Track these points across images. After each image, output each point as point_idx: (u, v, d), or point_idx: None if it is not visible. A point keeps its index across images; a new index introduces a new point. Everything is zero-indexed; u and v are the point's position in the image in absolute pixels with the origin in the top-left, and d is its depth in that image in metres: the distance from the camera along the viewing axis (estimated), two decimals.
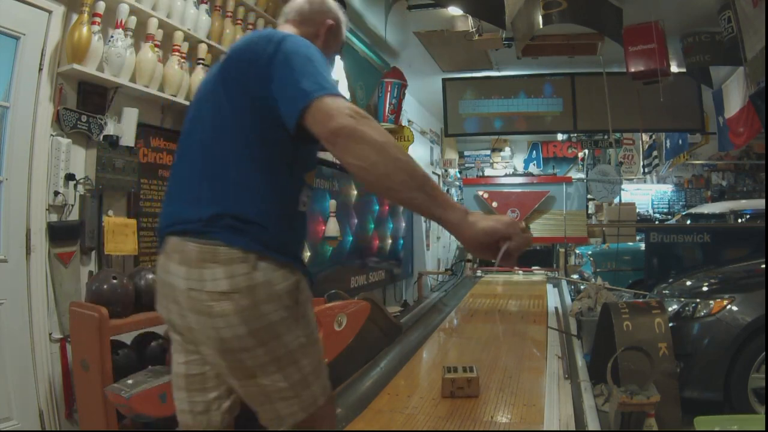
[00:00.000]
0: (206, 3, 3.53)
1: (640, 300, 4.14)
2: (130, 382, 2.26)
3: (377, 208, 7.10)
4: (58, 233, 2.68)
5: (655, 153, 11.12)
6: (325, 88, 1.24)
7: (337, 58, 4.73)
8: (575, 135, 11.63)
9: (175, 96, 3.28)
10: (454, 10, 5.65)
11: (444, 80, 8.12)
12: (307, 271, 1.45)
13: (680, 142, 10.01)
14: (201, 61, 3.46)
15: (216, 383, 1.51)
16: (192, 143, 1.51)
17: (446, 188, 11.97)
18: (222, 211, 1.32)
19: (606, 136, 10.36)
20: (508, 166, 13.35)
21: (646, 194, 13.18)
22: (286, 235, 1.40)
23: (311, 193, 1.55)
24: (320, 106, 1.21)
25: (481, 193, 10.36)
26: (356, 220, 6.39)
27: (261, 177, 1.34)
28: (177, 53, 3.27)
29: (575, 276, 7.60)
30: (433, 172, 10.91)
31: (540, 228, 10.07)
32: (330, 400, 1.51)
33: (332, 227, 5.46)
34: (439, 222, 1.21)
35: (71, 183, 2.73)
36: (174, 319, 1.42)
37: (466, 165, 13.55)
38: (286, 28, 1.61)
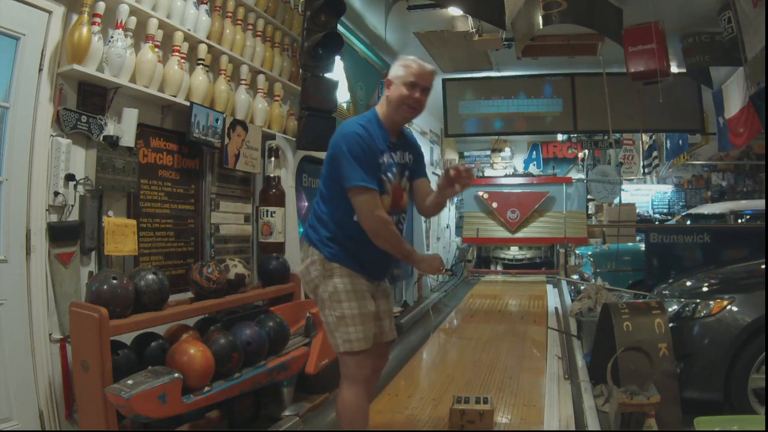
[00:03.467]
0: (206, 3, 3.53)
1: (640, 300, 4.14)
2: (130, 382, 2.26)
3: None
4: (58, 234, 2.68)
5: (655, 153, 11.12)
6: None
7: (338, 59, 4.75)
8: (575, 135, 11.63)
9: (175, 96, 3.27)
10: (454, 11, 5.65)
11: (444, 81, 8.12)
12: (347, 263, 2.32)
13: (680, 142, 10.02)
14: (201, 62, 3.46)
15: None
16: None
17: None
18: None
19: (606, 137, 10.36)
20: (508, 167, 13.35)
21: (646, 195, 13.18)
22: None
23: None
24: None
25: (481, 193, 10.36)
26: None
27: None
28: (177, 54, 3.27)
29: (575, 276, 7.60)
30: (433, 173, 10.91)
31: (540, 228, 10.07)
32: (352, 353, 2.23)
33: None
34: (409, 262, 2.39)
35: (71, 183, 2.72)
36: None
37: (466, 165, 13.53)
38: None
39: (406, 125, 2.55)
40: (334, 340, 2.28)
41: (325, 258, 2.29)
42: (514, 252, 10.53)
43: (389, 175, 2.30)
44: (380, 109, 2.38)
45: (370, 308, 2.31)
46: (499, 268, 10.63)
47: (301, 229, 2.50)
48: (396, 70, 2.30)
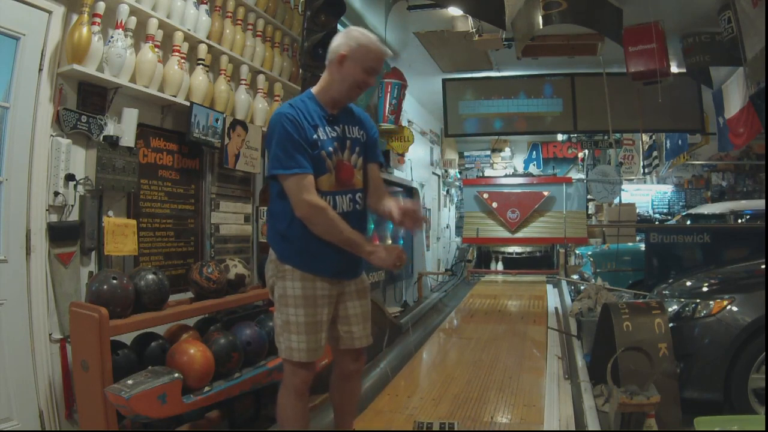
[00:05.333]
0: (206, 3, 3.53)
1: (640, 300, 4.14)
2: (130, 382, 2.26)
3: None
4: (58, 234, 2.68)
5: (655, 153, 11.11)
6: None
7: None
8: (575, 135, 11.63)
9: (175, 96, 3.28)
10: (454, 11, 5.65)
11: (444, 81, 8.12)
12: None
13: (680, 142, 10.01)
14: (201, 62, 3.46)
15: None
16: None
17: (446, 188, 11.97)
18: None
19: (606, 137, 10.37)
20: (508, 167, 13.35)
21: (646, 195, 13.18)
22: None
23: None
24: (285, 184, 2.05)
25: (481, 193, 10.36)
26: None
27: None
28: (177, 54, 3.28)
29: (575, 276, 7.60)
30: (433, 173, 10.92)
31: (540, 228, 10.08)
32: (292, 362, 2.11)
33: None
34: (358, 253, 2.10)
35: (71, 183, 2.73)
36: None
37: (466, 165, 13.55)
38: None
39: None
40: (278, 343, 2.17)
41: (278, 258, 2.14)
42: (514, 247, 10.53)
43: (329, 149, 2.09)
44: (318, 86, 2.19)
45: (321, 318, 2.12)
46: (499, 265, 10.64)
47: None
48: (354, 49, 2.08)
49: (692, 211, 7.80)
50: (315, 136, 2.06)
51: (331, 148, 2.10)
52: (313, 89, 2.20)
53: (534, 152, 13.50)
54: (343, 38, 2.13)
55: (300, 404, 2.17)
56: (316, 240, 2.06)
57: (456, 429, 2.73)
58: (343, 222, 2.04)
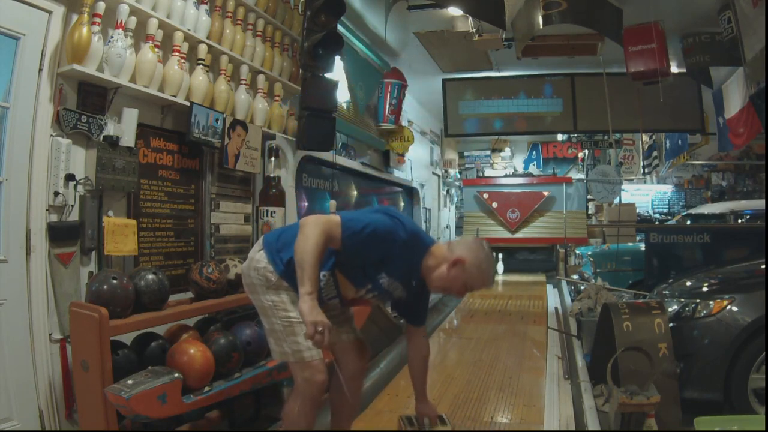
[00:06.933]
0: (206, 3, 3.53)
1: (640, 300, 4.14)
2: (130, 382, 2.26)
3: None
4: (58, 234, 2.68)
5: (655, 153, 11.12)
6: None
7: (338, 59, 4.75)
8: (575, 135, 11.63)
9: (175, 96, 3.27)
10: (454, 11, 5.65)
11: (444, 81, 8.12)
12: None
13: (680, 142, 10.02)
14: (201, 62, 3.46)
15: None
16: None
17: (446, 188, 11.97)
18: None
19: (606, 137, 10.37)
20: (508, 167, 13.35)
21: (646, 195, 13.19)
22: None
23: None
24: None
25: (481, 193, 10.36)
26: None
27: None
28: (177, 54, 3.27)
29: (575, 276, 7.60)
30: (433, 173, 10.91)
31: (540, 228, 10.08)
32: (303, 364, 2.08)
33: None
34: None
35: (71, 183, 2.72)
36: None
37: (466, 165, 13.56)
38: None
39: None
40: (281, 348, 2.12)
41: (278, 274, 2.13)
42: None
43: (377, 281, 2.18)
44: (433, 255, 2.19)
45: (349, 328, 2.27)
46: (500, 265, 10.65)
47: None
48: (473, 266, 2.14)
49: (692, 211, 7.80)
50: (383, 272, 2.15)
51: (377, 282, 2.19)
52: (437, 244, 2.25)
53: (534, 152, 13.51)
54: (473, 250, 2.17)
55: (313, 413, 2.13)
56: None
57: (447, 421, 2.55)
58: (317, 257, 1.96)
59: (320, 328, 1.84)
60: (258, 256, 2.20)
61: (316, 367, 2.09)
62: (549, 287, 8.28)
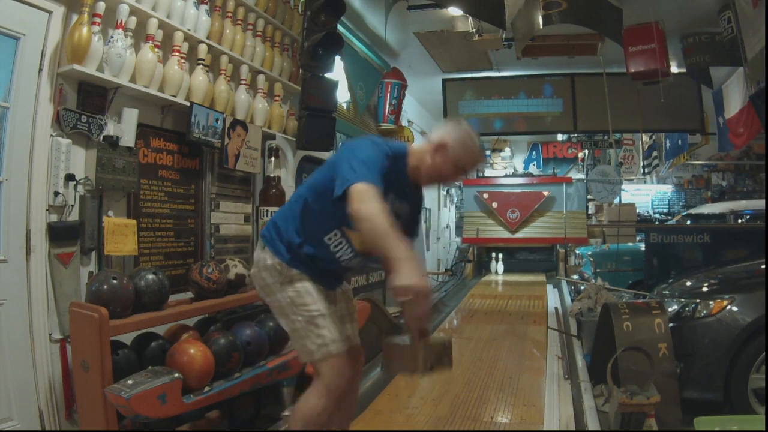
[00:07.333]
0: (206, 3, 3.53)
1: (640, 300, 4.14)
2: (130, 382, 2.26)
3: None
4: (58, 234, 2.68)
5: (655, 153, 11.12)
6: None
7: (338, 59, 4.75)
8: (575, 135, 11.62)
9: (175, 96, 3.28)
10: (454, 11, 5.65)
11: (444, 81, 8.12)
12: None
13: (680, 142, 10.02)
14: (201, 62, 3.46)
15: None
16: None
17: (446, 188, 11.97)
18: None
19: (606, 137, 10.36)
20: (508, 167, 13.35)
21: (646, 195, 13.19)
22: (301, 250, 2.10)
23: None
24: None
25: (481, 193, 10.36)
26: None
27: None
28: (177, 54, 3.27)
29: (575, 276, 7.60)
30: None
31: (540, 228, 10.08)
32: (331, 359, 2.00)
33: None
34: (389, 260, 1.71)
35: (71, 183, 2.72)
36: None
37: None
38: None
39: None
40: (305, 348, 2.03)
41: (286, 264, 2.07)
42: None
43: None
44: (413, 154, 2.12)
45: (337, 310, 2.14)
46: (500, 264, 10.65)
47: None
48: (456, 144, 2.03)
49: (692, 211, 7.79)
50: (386, 197, 1.90)
51: None
52: (410, 148, 2.16)
53: (534, 152, 13.51)
54: (451, 130, 2.08)
55: (331, 408, 2.04)
56: (322, 264, 2.09)
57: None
58: (388, 222, 1.73)
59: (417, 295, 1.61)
60: (263, 254, 2.14)
61: (344, 359, 2.02)
62: (549, 287, 8.29)
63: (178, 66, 3.26)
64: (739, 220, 6.41)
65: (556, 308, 6.19)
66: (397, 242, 1.68)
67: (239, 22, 3.85)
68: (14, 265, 2.54)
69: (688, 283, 3.92)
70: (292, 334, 2.10)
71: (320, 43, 4.17)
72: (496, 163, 13.45)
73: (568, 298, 6.63)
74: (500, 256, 10.85)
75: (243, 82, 3.88)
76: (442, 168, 2.07)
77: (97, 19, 2.76)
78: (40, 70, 2.64)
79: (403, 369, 1.92)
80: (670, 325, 3.17)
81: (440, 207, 11.39)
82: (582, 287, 6.19)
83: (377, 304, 3.88)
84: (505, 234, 10.17)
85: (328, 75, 4.44)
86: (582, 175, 11.48)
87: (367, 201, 1.76)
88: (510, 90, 8.09)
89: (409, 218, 2.19)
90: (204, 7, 3.50)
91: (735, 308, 3.23)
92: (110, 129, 2.88)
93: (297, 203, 2.14)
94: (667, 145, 10.48)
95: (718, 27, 5.58)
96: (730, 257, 4.64)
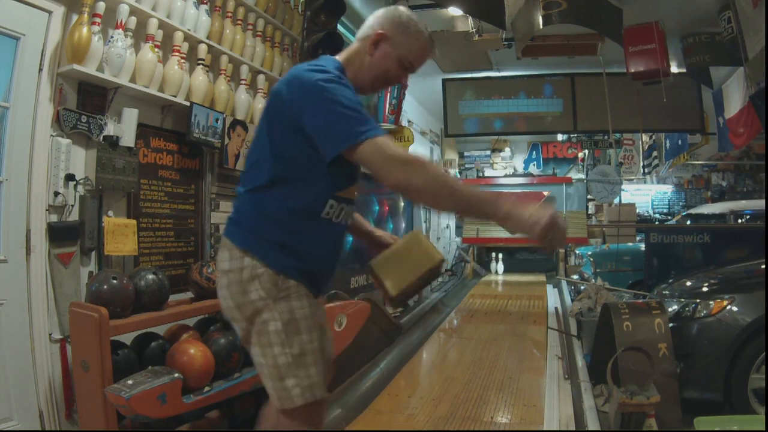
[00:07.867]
0: (206, 3, 3.53)
1: (640, 300, 4.14)
2: (130, 382, 2.26)
3: (377, 208, 7.11)
4: (58, 234, 2.68)
5: (655, 153, 11.12)
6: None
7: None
8: (575, 135, 11.62)
9: (175, 96, 3.28)
10: (454, 11, 5.65)
11: (444, 81, 8.12)
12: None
13: (680, 142, 10.02)
14: (201, 62, 3.46)
15: None
16: None
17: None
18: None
19: (606, 137, 10.36)
20: (508, 167, 13.35)
21: (646, 195, 13.19)
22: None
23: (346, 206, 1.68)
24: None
25: None
26: None
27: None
28: (177, 54, 3.27)
29: (575, 276, 7.60)
30: None
31: None
32: (315, 404, 1.56)
33: None
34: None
35: (71, 183, 2.73)
36: None
37: (466, 165, 13.55)
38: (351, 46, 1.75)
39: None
40: (284, 390, 1.52)
41: (276, 272, 1.56)
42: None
43: None
44: (347, 63, 1.72)
45: (328, 338, 1.70)
46: (500, 264, 10.65)
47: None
48: (396, 32, 1.70)
49: (692, 211, 7.80)
50: None
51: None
52: (340, 59, 1.73)
53: (534, 152, 13.51)
54: (388, 16, 1.74)
55: None
56: (322, 253, 1.66)
57: None
58: (457, 183, 1.49)
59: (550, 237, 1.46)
60: (245, 263, 1.56)
61: (324, 405, 1.64)
62: (549, 287, 8.29)
63: (178, 66, 3.26)
64: (739, 220, 6.41)
65: (556, 308, 6.19)
66: (486, 197, 1.50)
67: (239, 22, 3.85)
68: (14, 265, 2.54)
69: (688, 283, 3.92)
70: (270, 371, 1.54)
71: (320, 43, 4.16)
72: (496, 163, 13.44)
73: (568, 298, 6.63)
74: (500, 256, 10.85)
75: (243, 82, 3.88)
76: (383, 64, 1.70)
77: (97, 19, 2.76)
78: (40, 70, 2.64)
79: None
80: (670, 325, 3.17)
81: None
82: (582, 287, 6.19)
83: (377, 305, 3.88)
84: (505, 234, 10.15)
85: None
86: (582, 175, 11.47)
87: (410, 163, 1.43)
88: (510, 90, 8.09)
89: None
90: (204, 7, 3.50)
91: (735, 308, 3.23)
92: (110, 129, 2.88)
93: (263, 191, 1.60)
94: (667, 145, 10.48)
95: (718, 27, 5.58)
96: (730, 257, 4.65)
